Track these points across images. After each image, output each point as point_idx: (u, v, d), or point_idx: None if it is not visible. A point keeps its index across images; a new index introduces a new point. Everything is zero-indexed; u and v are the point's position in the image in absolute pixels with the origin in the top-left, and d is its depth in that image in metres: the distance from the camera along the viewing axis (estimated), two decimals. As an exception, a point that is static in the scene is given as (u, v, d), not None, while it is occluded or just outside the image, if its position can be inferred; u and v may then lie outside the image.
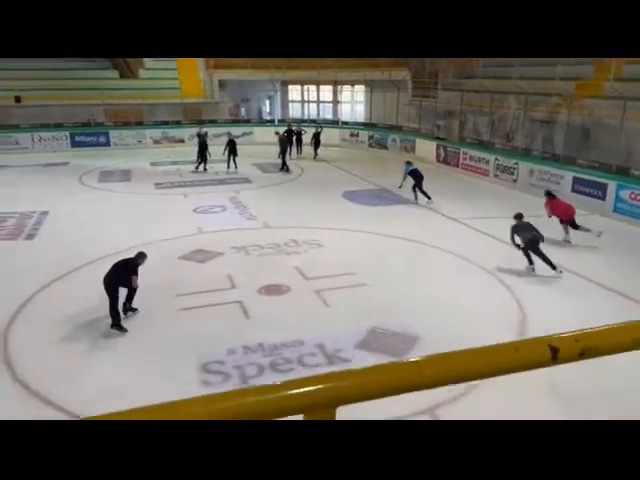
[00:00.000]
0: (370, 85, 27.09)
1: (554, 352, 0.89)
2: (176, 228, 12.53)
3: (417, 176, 14.85)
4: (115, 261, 8.10)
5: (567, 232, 11.35)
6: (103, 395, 5.98)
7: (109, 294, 7.74)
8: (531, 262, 9.61)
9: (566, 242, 11.31)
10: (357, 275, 9.63)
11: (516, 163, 17.18)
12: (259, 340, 7.30)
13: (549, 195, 11.72)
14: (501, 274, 9.68)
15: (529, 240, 9.50)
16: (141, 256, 8.22)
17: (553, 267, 9.40)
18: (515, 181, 17.11)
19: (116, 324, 7.72)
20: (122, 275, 7.91)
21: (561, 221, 11.41)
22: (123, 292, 7.98)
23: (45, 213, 14.00)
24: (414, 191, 14.95)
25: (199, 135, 20.88)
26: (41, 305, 8.61)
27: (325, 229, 12.48)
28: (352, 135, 26.23)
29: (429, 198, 14.73)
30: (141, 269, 8.09)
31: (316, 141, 22.67)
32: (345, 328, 7.67)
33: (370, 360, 6.64)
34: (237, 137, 22.16)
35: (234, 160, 20.00)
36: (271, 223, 13.12)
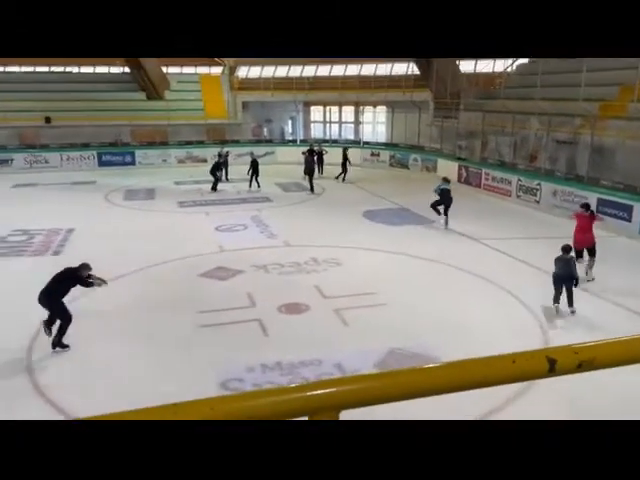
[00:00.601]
0: (392, 106, 27.31)
1: (552, 364, 0.91)
2: (198, 246, 12.69)
3: (444, 196, 14.33)
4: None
5: (590, 268, 10.27)
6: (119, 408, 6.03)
7: (50, 310, 7.30)
8: (569, 304, 8.88)
9: (589, 281, 10.15)
10: (377, 295, 9.60)
11: (539, 184, 17.03)
12: (277, 358, 7.32)
13: (586, 209, 10.72)
14: (524, 296, 9.54)
15: (554, 274, 8.96)
16: (84, 267, 7.56)
17: (555, 302, 8.84)
18: (538, 202, 16.95)
19: (51, 333, 7.39)
20: (61, 289, 7.38)
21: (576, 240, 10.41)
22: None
23: (71, 230, 14.33)
24: (445, 215, 14.37)
25: (220, 155, 21.26)
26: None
27: (345, 248, 12.51)
28: (373, 155, 26.37)
29: (439, 213, 14.49)
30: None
31: (344, 161, 22.00)
32: (364, 348, 7.64)
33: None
34: (259, 157, 22.37)
35: (256, 179, 20.25)
36: (291, 242, 13.21)
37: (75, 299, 9.52)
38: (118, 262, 11.35)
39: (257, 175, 20.25)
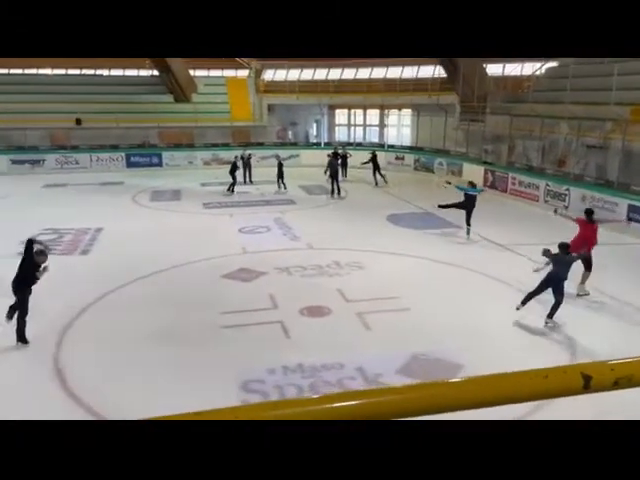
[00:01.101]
0: (417, 109, 27.14)
1: (586, 380, 0.87)
2: (222, 247, 12.79)
3: (468, 201, 13.82)
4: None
5: (583, 281, 9.66)
6: (141, 406, 6.10)
7: (16, 295, 7.37)
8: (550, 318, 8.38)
9: (583, 295, 9.59)
10: (400, 299, 9.53)
11: (567, 189, 16.71)
12: (299, 361, 7.32)
13: (587, 216, 10.08)
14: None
15: (551, 274, 8.46)
16: (40, 253, 7.48)
17: (523, 303, 8.54)
18: (567, 207, 16.61)
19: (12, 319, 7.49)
20: (29, 275, 7.36)
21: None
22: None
23: (99, 230, 14.60)
24: (467, 224, 13.85)
25: (242, 157, 21.45)
26: (94, 316, 8.94)
27: (368, 252, 12.46)
28: (397, 158, 26.23)
29: (442, 207, 14.40)
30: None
31: (374, 165, 21.62)
32: (386, 352, 7.59)
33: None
34: (284, 159, 22.41)
35: (282, 181, 20.35)
36: (314, 244, 13.21)
37: (104, 295, 9.73)
38: (144, 262, 11.53)
39: (282, 177, 20.38)
